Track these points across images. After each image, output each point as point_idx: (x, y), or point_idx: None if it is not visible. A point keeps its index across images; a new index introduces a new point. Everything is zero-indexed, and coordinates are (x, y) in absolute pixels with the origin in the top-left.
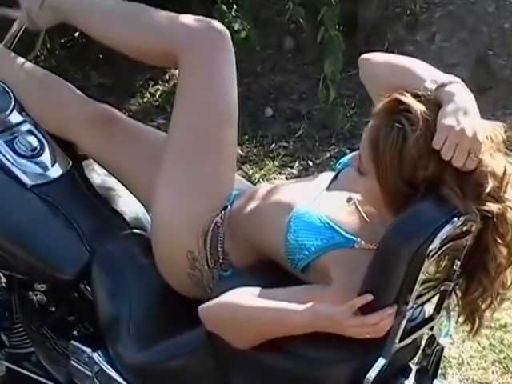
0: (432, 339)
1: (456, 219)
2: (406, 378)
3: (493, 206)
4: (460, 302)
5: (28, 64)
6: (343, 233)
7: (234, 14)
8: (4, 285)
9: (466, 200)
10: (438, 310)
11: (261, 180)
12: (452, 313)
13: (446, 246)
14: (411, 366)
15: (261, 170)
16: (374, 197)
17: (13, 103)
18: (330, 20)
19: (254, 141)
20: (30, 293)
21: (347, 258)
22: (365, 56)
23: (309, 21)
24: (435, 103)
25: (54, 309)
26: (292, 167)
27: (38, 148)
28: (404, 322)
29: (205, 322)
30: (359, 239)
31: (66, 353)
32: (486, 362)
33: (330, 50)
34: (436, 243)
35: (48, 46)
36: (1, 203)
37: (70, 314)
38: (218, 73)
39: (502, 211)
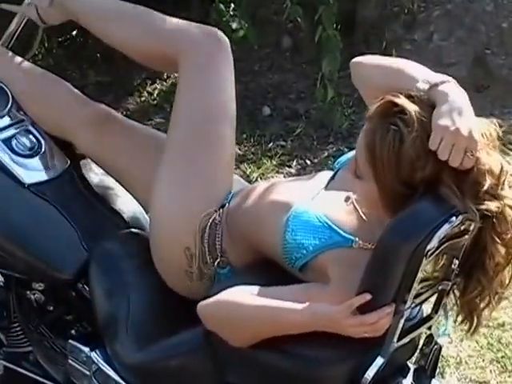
0: (430, 338)
1: (454, 218)
2: (404, 377)
3: (491, 205)
4: (458, 301)
5: (26, 63)
6: (341, 232)
7: (231, 13)
8: (2, 284)
9: (465, 199)
10: (436, 309)
11: (259, 179)
12: (450, 312)
13: (444, 245)
14: (409, 365)
15: (259, 168)
16: (372, 199)
17: (10, 102)
18: (328, 19)
19: (252, 140)
20: (28, 292)
21: (345, 258)
22: (356, 59)
23: (307, 20)
24: (429, 104)
25: (51, 308)
26: (290, 166)
27: (36, 147)
28: (402, 321)
29: (203, 320)
30: (357, 239)
31: (63, 352)
32: (483, 361)
33: (327, 49)
34: (434, 242)
35: (46, 44)
36: None
37: (68, 313)
38: (217, 74)
39: (500, 209)
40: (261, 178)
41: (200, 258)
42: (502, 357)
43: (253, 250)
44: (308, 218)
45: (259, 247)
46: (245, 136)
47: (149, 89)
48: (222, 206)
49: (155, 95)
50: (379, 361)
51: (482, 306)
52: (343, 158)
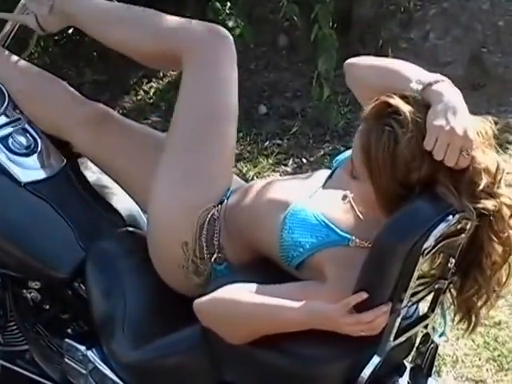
0: (426, 337)
1: (451, 217)
2: (401, 375)
3: (488, 203)
4: (455, 300)
5: (22, 62)
6: (338, 231)
7: (228, 11)
8: None
9: (462, 198)
10: (432, 307)
11: (255, 177)
12: (447, 311)
13: (441, 244)
14: (406, 363)
15: (255, 167)
16: (368, 199)
17: (7, 101)
18: (324, 18)
19: (248, 138)
20: (24, 290)
21: (342, 256)
22: (350, 60)
23: (303, 18)
24: (424, 104)
25: (48, 307)
26: (286, 165)
27: (32, 146)
28: (398, 319)
29: (199, 317)
30: (354, 237)
31: (60, 351)
32: (480, 359)
33: (323, 48)
34: (431, 241)
35: (42, 43)
36: None
37: (65, 311)
38: (221, 71)
39: (497, 208)
40: (257, 177)
41: (197, 253)
42: (499, 355)
43: (250, 248)
44: (305, 217)
45: (256, 245)
46: (241, 134)
47: (145, 87)
48: (221, 203)
49: (151, 94)
50: (376, 359)
51: (479, 304)
52: (341, 157)
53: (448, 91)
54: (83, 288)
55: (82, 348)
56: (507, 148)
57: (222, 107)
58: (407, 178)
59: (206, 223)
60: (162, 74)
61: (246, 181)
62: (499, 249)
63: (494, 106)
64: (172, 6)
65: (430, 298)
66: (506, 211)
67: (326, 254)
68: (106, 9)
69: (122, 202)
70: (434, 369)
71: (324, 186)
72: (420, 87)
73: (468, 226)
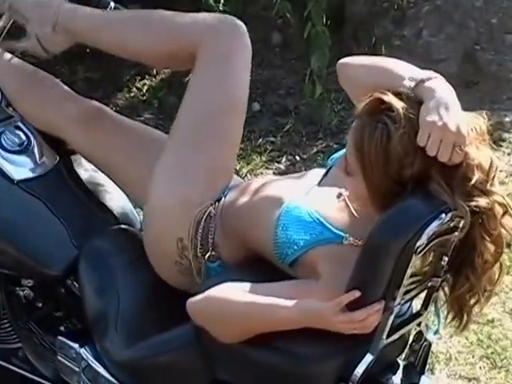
0: (420, 335)
1: (444, 215)
2: (394, 373)
3: (481, 201)
4: (448, 298)
5: (15, 59)
6: (332, 228)
7: (221, 9)
8: None
9: (454, 195)
10: (425, 305)
11: (248, 175)
12: (440, 308)
13: (434, 242)
14: (399, 361)
15: (248, 164)
16: (362, 196)
17: (0, 98)
18: (317, 15)
19: (242, 136)
20: (17, 288)
21: (335, 254)
22: (342, 60)
23: (296, 16)
24: (416, 100)
25: (41, 304)
26: (279, 162)
27: (25, 143)
28: (391, 317)
29: (192, 316)
30: (348, 235)
31: (53, 348)
32: (473, 357)
33: (316, 45)
34: (424, 239)
35: None
36: None
37: (57, 309)
38: (235, 64)
39: (490, 206)
40: (250, 174)
41: (191, 250)
42: (492, 353)
43: (244, 246)
44: (299, 214)
45: (251, 243)
46: None
47: (138, 85)
48: (218, 200)
49: (144, 91)
50: (369, 357)
51: (471, 302)
52: (337, 155)
53: (440, 87)
54: (76, 286)
55: (75, 346)
56: (500, 145)
57: (233, 102)
58: (400, 175)
59: (202, 220)
60: (154, 72)
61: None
62: (491, 248)
63: (487, 104)
64: (165, 2)
65: (423, 295)
66: (498, 209)
67: (320, 252)
68: (111, 17)
69: (116, 199)
70: (427, 366)
71: (319, 184)
72: (413, 84)
73: (461, 224)
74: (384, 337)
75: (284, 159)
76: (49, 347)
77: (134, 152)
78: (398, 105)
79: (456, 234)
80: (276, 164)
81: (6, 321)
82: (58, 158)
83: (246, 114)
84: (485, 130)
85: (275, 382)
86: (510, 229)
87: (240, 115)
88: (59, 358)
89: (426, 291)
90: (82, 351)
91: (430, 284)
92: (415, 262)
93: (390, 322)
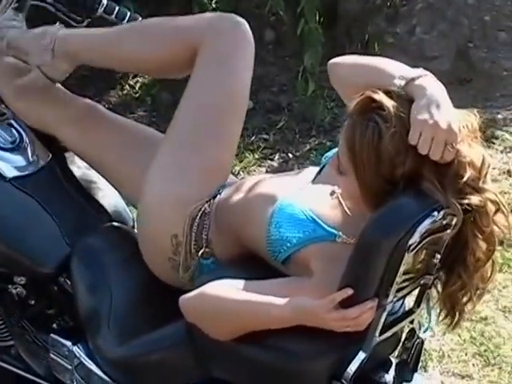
0: (412, 332)
1: (436, 213)
2: (387, 371)
3: (474, 199)
4: (440, 296)
5: (9, 58)
6: (325, 226)
7: (213, 6)
8: None
9: (447, 193)
10: (418, 303)
11: (241, 172)
12: (433, 306)
13: (426, 240)
14: (392, 359)
15: (241, 162)
16: (354, 194)
17: None
18: (310, 12)
19: None
20: (10, 286)
21: (328, 252)
22: (333, 60)
23: (289, 13)
24: (407, 99)
25: (33, 302)
26: (272, 159)
27: (18, 140)
28: (384, 315)
29: (185, 314)
30: (341, 233)
31: (45, 346)
32: (466, 354)
33: (309, 43)
34: (416, 237)
35: None
36: None
37: (50, 307)
38: (235, 63)
39: (482, 203)
40: (243, 172)
41: (185, 246)
42: (485, 350)
43: (238, 244)
44: (293, 212)
45: (244, 240)
46: None
47: (131, 82)
48: (213, 197)
49: (137, 88)
50: (361, 355)
51: (463, 300)
52: (330, 153)
53: (431, 85)
54: (69, 283)
55: (68, 343)
56: (493, 143)
57: (228, 104)
58: (392, 173)
59: (197, 217)
60: None
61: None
62: (483, 245)
63: (480, 101)
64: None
65: (415, 293)
66: (490, 207)
67: (313, 250)
68: (109, 36)
69: (108, 197)
70: (419, 364)
71: (313, 182)
72: (403, 83)
73: (453, 222)
74: (377, 334)
75: (277, 156)
76: (41, 345)
77: (127, 150)
78: (389, 103)
79: (448, 231)
80: (269, 161)
81: None
82: (50, 155)
83: None
84: (476, 127)
85: (268, 380)
86: (503, 226)
87: (239, 115)
88: (52, 355)
89: (418, 289)
90: (75, 349)
91: (422, 282)
92: (408, 260)
93: (382, 319)
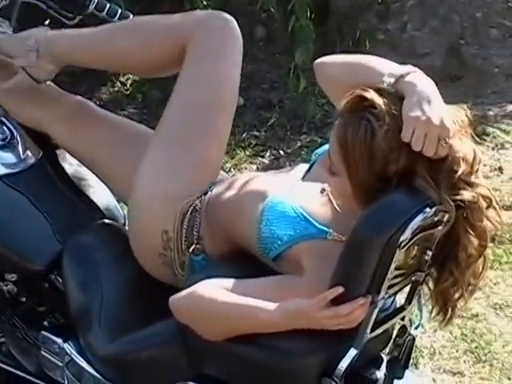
0: (403, 329)
1: (428, 209)
2: (378, 368)
3: (467, 194)
4: (432, 293)
5: None
6: (316, 224)
7: (205, 3)
8: None
9: (440, 190)
10: (409, 300)
11: (232, 169)
12: (424, 303)
13: (418, 237)
14: (383, 356)
15: (232, 159)
16: (346, 193)
17: None
18: (301, 9)
19: None
20: (1, 283)
21: (319, 249)
22: (320, 60)
23: (280, 10)
24: (398, 96)
25: (24, 299)
26: (263, 156)
27: (9, 138)
28: (375, 312)
29: (175, 314)
30: (332, 230)
31: (36, 343)
32: (457, 351)
33: (300, 39)
34: (407, 233)
35: None
36: None
37: (41, 304)
38: (224, 59)
39: (475, 199)
40: (234, 169)
41: (176, 242)
42: (476, 347)
43: (229, 240)
44: (283, 209)
45: (235, 237)
46: None
47: (122, 79)
48: (205, 194)
49: (128, 85)
50: (352, 352)
51: (455, 297)
52: (320, 150)
53: (421, 81)
54: (60, 280)
55: (59, 340)
56: (485, 140)
57: (217, 101)
58: (385, 171)
59: (188, 213)
60: None
61: None
62: (475, 242)
63: (471, 98)
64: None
65: (407, 290)
66: (482, 202)
67: (304, 247)
68: (95, 34)
69: (100, 194)
70: (411, 361)
71: (303, 179)
72: (392, 80)
73: (445, 219)
74: (368, 331)
75: (268, 153)
76: (32, 342)
77: (118, 147)
78: (380, 101)
79: (440, 228)
80: (260, 158)
81: None
82: (41, 152)
83: None
84: (467, 122)
85: (259, 377)
86: (495, 221)
87: (229, 112)
88: (43, 352)
89: (409, 285)
90: (66, 346)
91: (413, 278)
92: (399, 257)
93: (373, 316)
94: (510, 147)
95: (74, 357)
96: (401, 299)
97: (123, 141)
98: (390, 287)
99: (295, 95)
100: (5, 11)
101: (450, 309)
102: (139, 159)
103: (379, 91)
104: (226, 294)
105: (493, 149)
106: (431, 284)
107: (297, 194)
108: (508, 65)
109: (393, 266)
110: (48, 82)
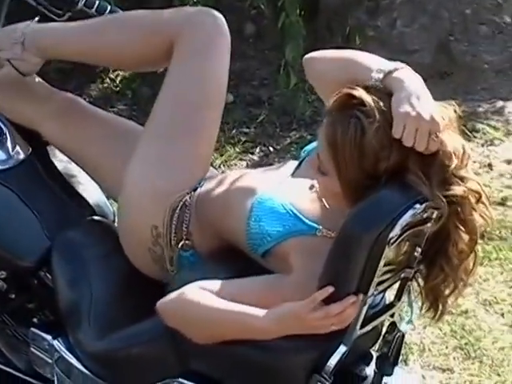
0: (393, 326)
1: (417, 205)
2: (367, 364)
3: (458, 189)
4: (422, 289)
5: None
6: (305, 220)
7: (194, 0)
8: None
9: (432, 186)
10: (398, 296)
11: (221, 166)
12: (414, 299)
13: (407, 233)
14: (372, 352)
15: (222, 155)
16: (334, 192)
17: None
18: (291, 5)
19: None
20: None
21: (308, 246)
22: (309, 55)
23: (270, 6)
24: (386, 92)
25: (13, 296)
26: (253, 153)
27: None
28: (365, 308)
29: (163, 318)
30: (321, 227)
31: (26, 340)
32: (447, 348)
33: (290, 36)
34: (397, 230)
35: None
36: None
37: (30, 301)
38: (212, 57)
39: (466, 194)
40: (224, 165)
41: (165, 238)
42: (466, 344)
43: (218, 236)
44: (272, 205)
45: (224, 233)
46: None
47: (111, 75)
48: (194, 190)
49: (118, 82)
50: (342, 349)
51: (446, 293)
52: (309, 147)
53: (409, 77)
54: (49, 277)
55: (48, 337)
56: (474, 136)
57: (210, 96)
58: (375, 169)
59: (177, 209)
60: None
61: None
62: (466, 237)
63: (460, 94)
64: None
65: (396, 286)
66: (472, 197)
67: (293, 243)
68: (82, 27)
69: (89, 191)
70: (400, 357)
71: (292, 176)
72: (381, 76)
73: (434, 215)
74: (357, 327)
75: (258, 150)
76: (22, 339)
77: (108, 143)
78: (369, 98)
79: (429, 225)
80: (249, 155)
81: None
82: (30, 149)
83: None
84: (454, 118)
85: (249, 374)
86: (485, 216)
87: (217, 109)
88: (32, 349)
89: (399, 282)
90: (55, 343)
91: (403, 275)
92: (388, 253)
93: (363, 312)
94: (500, 144)
95: (63, 353)
96: (390, 296)
97: (113, 137)
98: (379, 284)
99: (285, 92)
100: None
101: (440, 305)
102: (129, 156)
103: (367, 88)
104: (215, 299)
105: (482, 145)
106: (421, 280)
107: (286, 190)
108: (498, 61)
109: (382, 262)
110: (38, 79)
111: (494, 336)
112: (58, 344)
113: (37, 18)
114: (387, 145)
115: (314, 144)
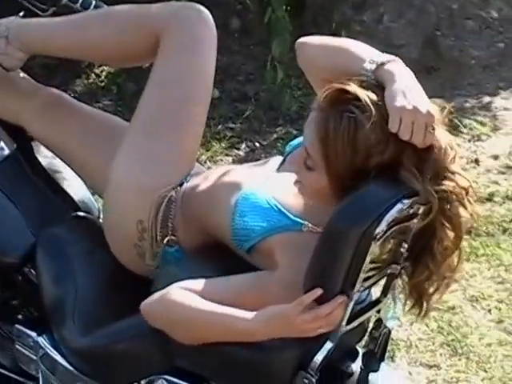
0: (379, 322)
1: (404, 201)
2: (353, 361)
3: (449, 184)
4: (407, 286)
5: None
6: (290, 215)
7: None
8: None
9: (424, 181)
10: (384, 292)
11: (207, 161)
12: (399, 296)
13: (393, 229)
14: (358, 349)
15: (207, 151)
16: (321, 187)
17: None
18: (277, 0)
19: None
20: None
21: (294, 241)
22: (301, 39)
23: (255, 1)
24: (378, 86)
25: None
26: (239, 149)
27: None
28: (351, 305)
29: (148, 320)
30: (306, 222)
31: (10, 337)
32: (434, 344)
33: (277, 31)
34: (383, 226)
35: None
36: None
37: (15, 297)
38: (198, 52)
39: (456, 189)
40: (210, 161)
41: (150, 233)
42: (452, 340)
43: (203, 232)
44: (256, 201)
45: (210, 229)
46: None
47: (96, 71)
48: (181, 185)
49: (103, 77)
50: (328, 345)
51: (430, 290)
52: (295, 142)
53: (400, 70)
54: (34, 273)
55: (33, 334)
56: (461, 132)
57: (196, 92)
58: (366, 164)
59: (163, 204)
60: None
61: None
62: (451, 235)
63: (447, 89)
64: None
65: (382, 282)
66: (460, 193)
67: (278, 239)
68: (67, 22)
69: (74, 186)
70: (387, 354)
71: (277, 171)
72: (373, 67)
73: (420, 211)
74: (344, 324)
75: (243, 146)
76: (6, 336)
77: (93, 139)
78: (363, 93)
79: (415, 220)
80: (235, 151)
81: None
82: (15, 145)
83: None
84: (440, 114)
85: (234, 370)
86: (472, 211)
87: (203, 104)
88: (17, 346)
89: (385, 278)
90: (40, 339)
91: (389, 271)
92: (375, 249)
93: (349, 309)
94: (487, 139)
95: (48, 350)
96: (376, 292)
97: (98, 133)
98: (365, 280)
99: (271, 87)
100: None
101: (425, 302)
102: (114, 152)
103: (357, 82)
104: (199, 300)
105: (469, 141)
106: (405, 277)
107: (271, 185)
108: (485, 56)
109: (368, 258)
110: (22, 75)
111: (480, 332)
112: (42, 341)
113: (21, 13)
114: (384, 139)
115: (299, 139)
